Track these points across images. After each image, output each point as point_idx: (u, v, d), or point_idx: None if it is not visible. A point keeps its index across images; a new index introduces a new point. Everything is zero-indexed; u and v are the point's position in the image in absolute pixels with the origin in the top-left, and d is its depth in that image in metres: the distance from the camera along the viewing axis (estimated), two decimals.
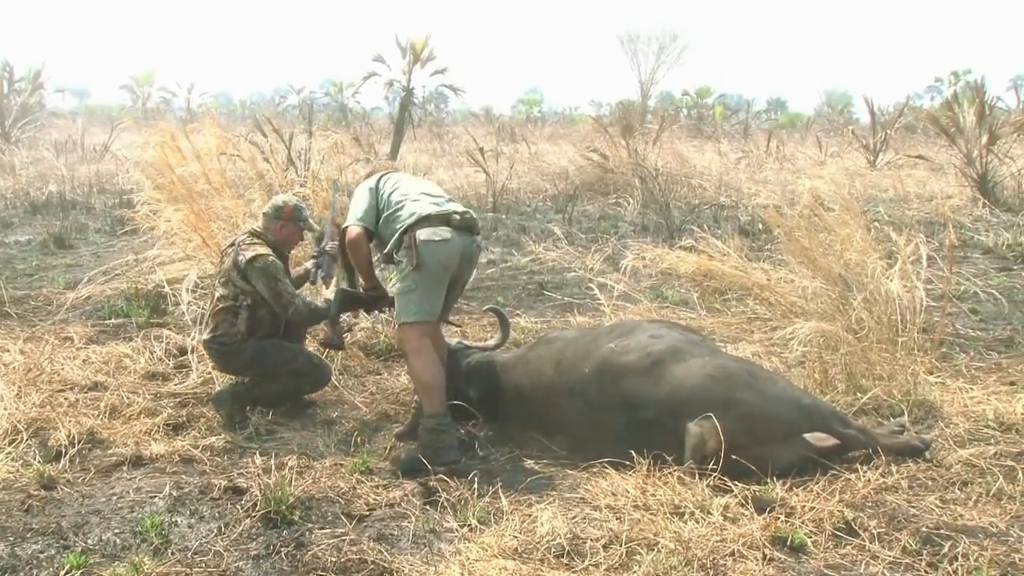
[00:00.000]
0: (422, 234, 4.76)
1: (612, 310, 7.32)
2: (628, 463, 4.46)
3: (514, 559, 3.68)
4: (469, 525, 4.02)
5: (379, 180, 5.19)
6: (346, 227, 5.05)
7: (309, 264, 5.81)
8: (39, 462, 4.66)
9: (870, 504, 4.18)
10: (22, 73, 24.89)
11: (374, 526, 4.03)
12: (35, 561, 3.67)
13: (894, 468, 4.54)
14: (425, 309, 4.86)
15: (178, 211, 7.94)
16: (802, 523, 3.96)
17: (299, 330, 5.76)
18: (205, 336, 5.57)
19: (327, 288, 5.65)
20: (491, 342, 5.82)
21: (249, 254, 5.40)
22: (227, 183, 8.33)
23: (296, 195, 7.48)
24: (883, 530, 3.91)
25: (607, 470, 4.52)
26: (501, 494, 4.26)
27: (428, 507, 4.22)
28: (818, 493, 4.24)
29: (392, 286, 5.01)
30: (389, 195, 5.04)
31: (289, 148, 14.11)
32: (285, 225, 5.61)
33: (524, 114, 44.15)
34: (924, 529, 3.92)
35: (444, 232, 4.81)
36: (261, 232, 5.60)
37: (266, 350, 5.47)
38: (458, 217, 4.88)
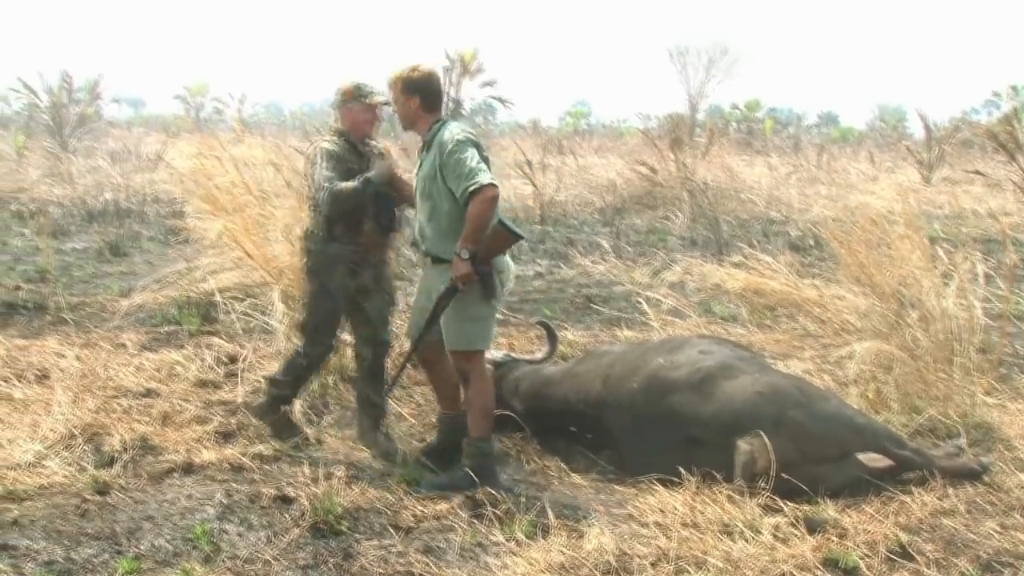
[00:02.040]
0: (501, 264, 4.67)
1: (660, 325, 7.27)
2: (676, 480, 4.42)
3: (561, 574, 3.66)
4: (516, 539, 4.01)
5: (480, 147, 4.68)
6: (488, 184, 4.44)
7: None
8: (93, 467, 4.73)
9: (926, 528, 4.10)
10: (81, 84, 25.41)
11: (421, 538, 4.03)
12: (89, 565, 3.72)
13: (951, 491, 4.46)
14: (490, 336, 4.84)
15: (230, 221, 8.00)
16: (855, 545, 3.90)
17: (379, 240, 5.22)
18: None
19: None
20: (539, 355, 5.81)
21: (312, 147, 5.21)
22: (275, 192, 8.36)
23: None
24: (940, 555, 3.84)
25: (655, 486, 4.49)
26: (548, 509, 4.24)
27: (475, 520, 4.21)
28: (872, 515, 4.17)
29: (462, 311, 4.65)
30: None
31: None
32: (350, 108, 5.17)
33: (572, 126, 44.04)
34: (983, 555, 3.84)
35: (507, 261, 4.78)
36: (335, 126, 5.33)
37: (319, 286, 5.13)
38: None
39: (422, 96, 4.78)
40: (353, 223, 5.04)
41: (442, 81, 4.95)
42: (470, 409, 4.81)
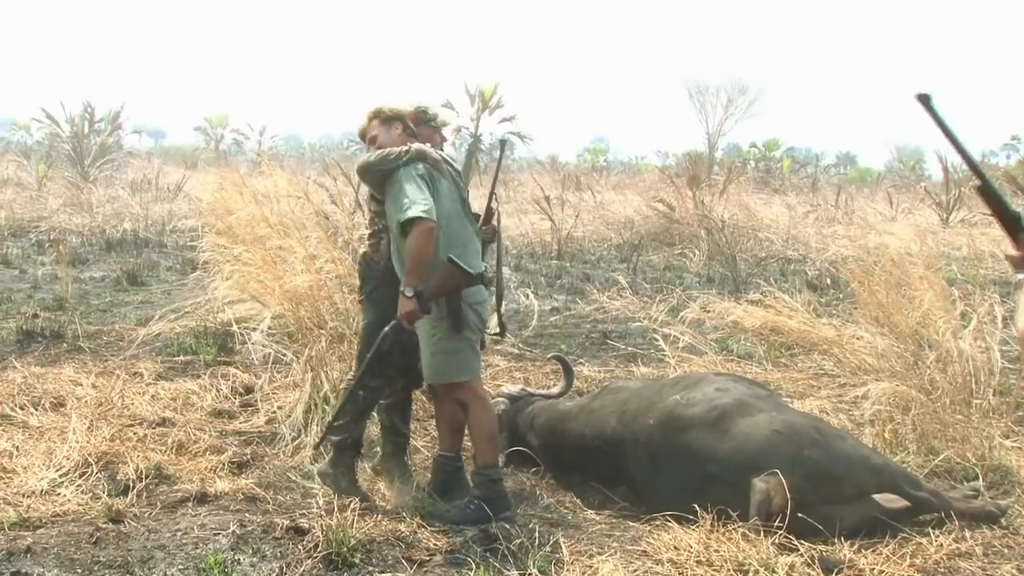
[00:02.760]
0: (471, 295, 4.61)
1: (677, 362, 7.25)
2: (691, 517, 4.39)
3: None
4: (530, 574, 3.98)
5: (432, 175, 4.61)
6: (419, 217, 4.39)
7: None
8: (107, 495, 4.73)
9: (943, 570, 4.06)
10: (102, 114, 25.69)
11: (434, 572, 4.01)
12: None
13: (968, 534, 4.41)
14: (475, 365, 4.80)
15: (247, 252, 8.01)
16: None
17: None
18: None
19: None
20: (554, 390, 5.81)
21: None
22: (295, 225, 8.38)
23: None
24: None
25: (670, 523, 4.45)
26: (562, 544, 4.22)
27: (488, 555, 4.19)
28: (888, 556, 4.13)
29: (431, 345, 4.69)
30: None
31: (357, 191, 14.28)
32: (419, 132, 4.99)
33: (590, 163, 44.21)
34: None
35: (484, 292, 4.73)
36: None
37: (379, 313, 4.86)
38: (490, 276, 4.76)
39: (403, 123, 4.82)
40: None
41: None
42: (472, 437, 4.83)
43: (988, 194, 3.11)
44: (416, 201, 4.42)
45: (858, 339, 6.66)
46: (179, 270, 12.35)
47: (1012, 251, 3.03)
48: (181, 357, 7.59)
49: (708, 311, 8.19)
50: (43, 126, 26.80)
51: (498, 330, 5.37)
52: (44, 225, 15.95)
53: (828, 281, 12.18)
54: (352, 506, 4.56)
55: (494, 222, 5.21)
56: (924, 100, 3.20)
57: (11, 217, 16.31)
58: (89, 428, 5.50)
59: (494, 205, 5.18)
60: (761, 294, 7.78)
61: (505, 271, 13.23)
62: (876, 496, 4.52)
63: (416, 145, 4.67)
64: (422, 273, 4.43)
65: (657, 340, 7.70)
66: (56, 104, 31.62)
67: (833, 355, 6.87)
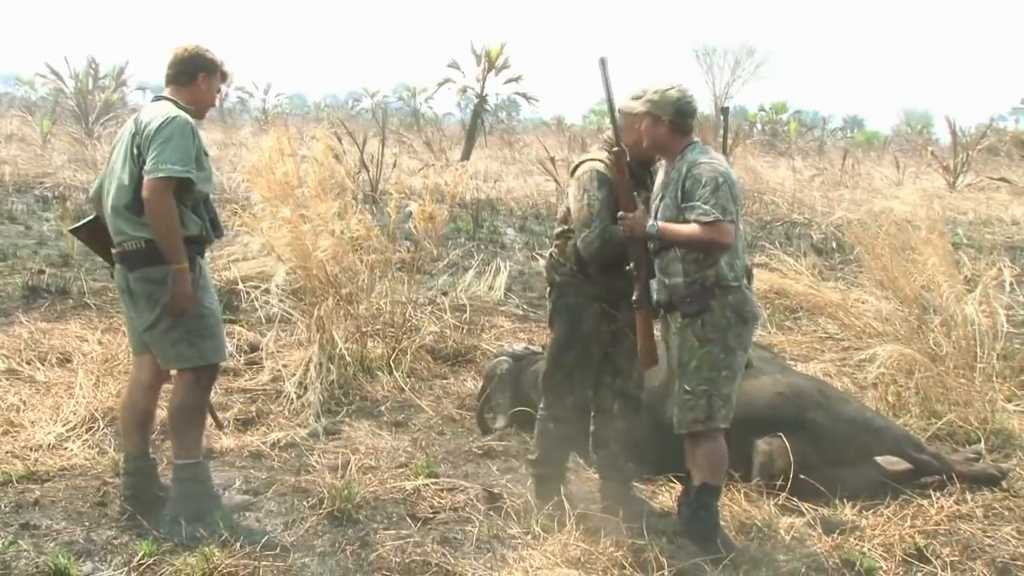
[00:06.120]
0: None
1: None
2: None
3: (577, 568, 3.67)
4: (533, 533, 4.02)
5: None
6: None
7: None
8: (114, 450, 4.75)
9: (943, 532, 4.09)
10: (106, 70, 25.50)
11: (438, 529, 4.04)
12: (109, 547, 3.76)
13: (969, 496, 4.45)
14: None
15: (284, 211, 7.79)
16: (872, 547, 3.90)
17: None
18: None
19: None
20: None
21: (576, 162, 4.27)
22: (330, 185, 8.13)
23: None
24: (956, 559, 3.85)
25: (673, 484, 4.49)
26: (565, 503, 4.24)
27: (492, 512, 4.22)
28: (889, 517, 4.17)
29: None
30: None
31: (362, 151, 14.27)
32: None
33: (596, 124, 43.95)
34: (1000, 560, 3.84)
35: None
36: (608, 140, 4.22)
37: (568, 329, 4.25)
38: (114, 251, 4.12)
39: None
40: (614, 258, 4.05)
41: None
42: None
43: (620, 160, 3.86)
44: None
45: (863, 303, 6.67)
46: None
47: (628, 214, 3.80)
48: None
49: None
50: (47, 82, 26.59)
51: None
52: (49, 181, 15.90)
53: (833, 245, 12.16)
54: (356, 464, 4.59)
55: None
56: (602, 63, 3.83)
57: (16, 173, 16.26)
58: (95, 384, 5.52)
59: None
60: (767, 257, 7.75)
61: (510, 232, 13.26)
62: (878, 458, 4.55)
63: None
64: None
65: None
66: (60, 60, 31.44)
67: (838, 319, 6.87)
